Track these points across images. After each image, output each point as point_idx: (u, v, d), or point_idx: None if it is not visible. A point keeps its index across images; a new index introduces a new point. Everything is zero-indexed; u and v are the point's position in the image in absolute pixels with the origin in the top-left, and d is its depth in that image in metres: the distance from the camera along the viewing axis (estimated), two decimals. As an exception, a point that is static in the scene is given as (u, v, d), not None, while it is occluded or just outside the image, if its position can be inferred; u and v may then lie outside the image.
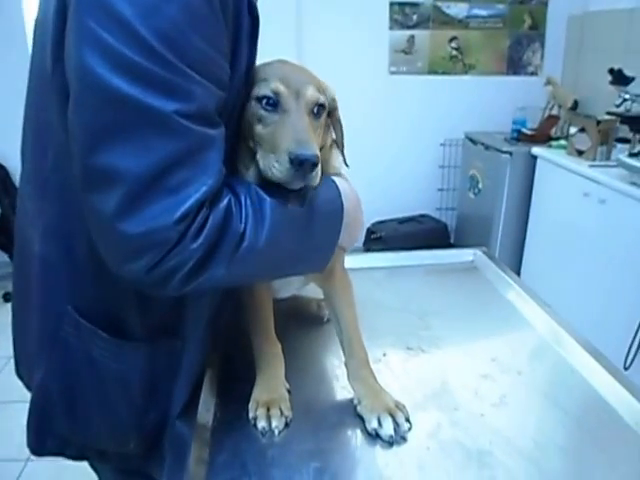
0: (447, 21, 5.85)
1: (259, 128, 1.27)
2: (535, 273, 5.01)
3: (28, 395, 1.43)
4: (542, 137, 5.21)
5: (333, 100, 1.42)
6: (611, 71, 4.64)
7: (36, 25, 1.24)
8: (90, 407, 1.39)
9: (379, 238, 5.79)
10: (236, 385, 1.57)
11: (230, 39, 1.15)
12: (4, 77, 4.43)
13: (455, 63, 5.98)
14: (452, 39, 5.90)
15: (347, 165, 1.51)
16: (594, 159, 4.46)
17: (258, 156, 1.26)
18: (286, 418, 1.43)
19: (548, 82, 5.48)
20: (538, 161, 4.99)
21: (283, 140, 1.20)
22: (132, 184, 1.00)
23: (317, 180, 1.24)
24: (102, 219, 1.04)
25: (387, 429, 1.40)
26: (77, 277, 1.30)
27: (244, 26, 1.19)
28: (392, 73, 5.98)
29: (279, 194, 1.21)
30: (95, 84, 0.99)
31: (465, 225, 6.08)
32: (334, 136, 1.51)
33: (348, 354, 1.56)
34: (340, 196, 1.34)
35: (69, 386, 1.36)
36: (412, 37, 5.86)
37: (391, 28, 5.85)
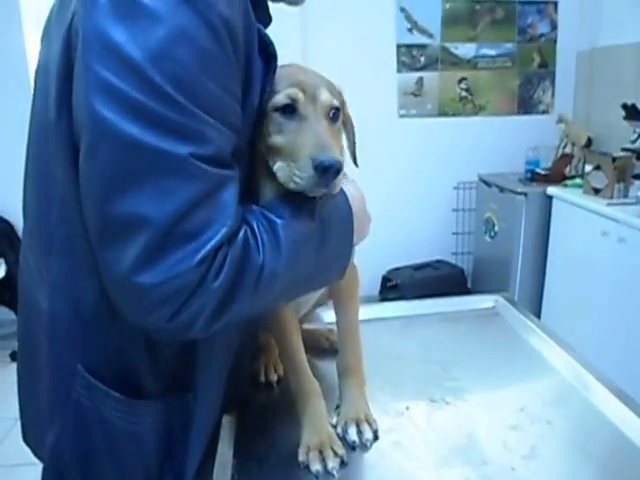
0: (455, 62, 5.80)
1: (277, 138, 1.25)
2: (556, 315, 4.89)
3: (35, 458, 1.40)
4: (557, 176, 5.11)
5: (340, 94, 1.38)
6: (624, 106, 4.57)
7: (37, 73, 1.24)
8: (105, 473, 1.33)
9: (395, 286, 5.70)
10: (253, 443, 1.52)
11: (241, 81, 1.13)
12: (7, 130, 4.36)
13: (465, 104, 5.92)
14: (461, 80, 5.84)
15: (356, 165, 1.50)
16: (611, 197, 4.35)
17: (276, 168, 1.25)
18: (341, 457, 1.41)
19: (560, 120, 5.39)
20: (554, 201, 4.90)
21: (304, 147, 1.19)
22: (154, 232, 0.98)
23: (339, 186, 1.23)
24: (119, 273, 1.01)
25: (351, 435, 1.49)
26: (87, 334, 1.26)
27: (255, 68, 1.18)
28: (401, 116, 5.92)
29: (288, 212, 1.20)
30: (107, 131, 0.98)
31: (482, 269, 5.97)
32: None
33: (340, 353, 1.63)
34: (347, 200, 1.33)
35: (83, 451, 1.30)
36: (421, 79, 5.80)
37: (399, 71, 5.79)
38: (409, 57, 5.78)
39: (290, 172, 1.20)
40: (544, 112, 5.99)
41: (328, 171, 1.15)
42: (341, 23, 5.61)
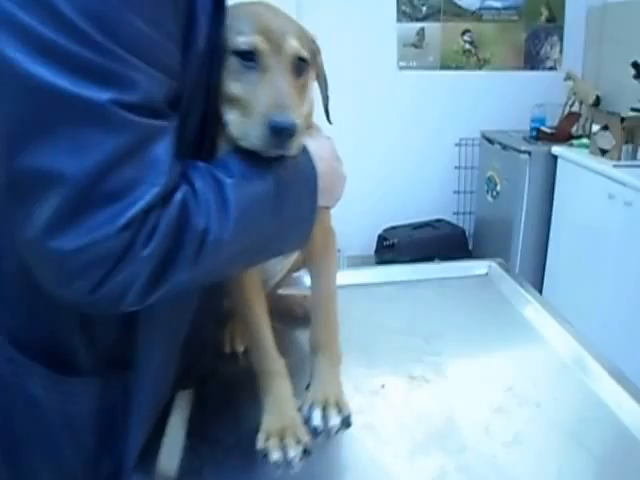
0: (459, 13, 5.63)
1: (233, 87, 1.14)
2: (558, 281, 4.79)
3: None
4: (563, 135, 4.98)
5: (312, 42, 1.29)
6: (635, 65, 4.43)
7: None
8: (35, 457, 1.23)
9: (392, 245, 5.59)
10: (209, 423, 1.43)
11: (182, 19, 1.00)
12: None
13: (469, 57, 5.77)
14: (465, 32, 5.68)
15: (330, 122, 1.43)
16: (619, 158, 4.23)
17: (227, 119, 1.15)
18: (304, 446, 1.32)
19: (568, 77, 5.23)
20: (559, 161, 4.77)
21: (261, 103, 1.10)
22: (69, 190, 0.86)
23: (298, 149, 1.14)
24: (30, 236, 0.90)
25: (315, 419, 1.39)
26: (9, 301, 1.17)
27: (200, 1, 1.04)
28: (401, 68, 5.78)
29: (239, 170, 1.09)
30: (13, 73, 0.85)
31: (484, 230, 5.86)
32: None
33: (312, 325, 1.53)
34: (311, 160, 1.21)
35: (8, 434, 1.21)
36: (422, 30, 5.64)
37: (399, 20, 5.63)
38: (410, 6, 5.60)
39: (245, 128, 1.11)
40: (551, 68, 5.84)
41: (282, 133, 1.07)
42: (339, -30, 5.51)
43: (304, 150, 1.21)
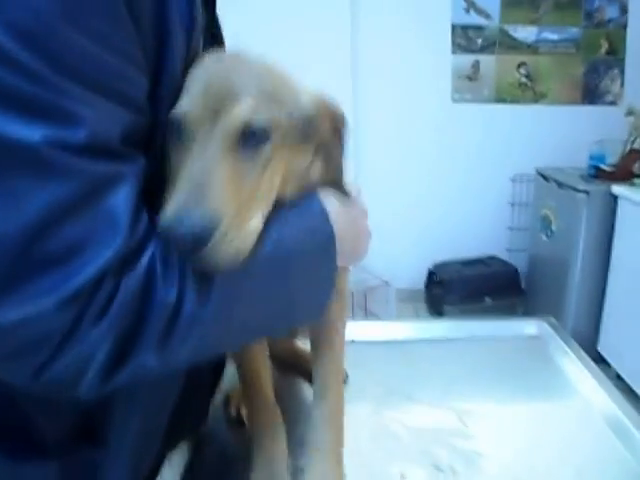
0: (514, 45, 5.56)
1: (170, 158, 0.92)
2: (616, 330, 4.56)
3: None
4: (623, 174, 4.76)
5: (315, 105, 1.03)
6: (701, 100, 4.22)
7: None
8: None
9: (440, 282, 5.49)
10: None
11: (149, 37, 0.84)
12: None
13: (524, 91, 5.67)
14: (520, 65, 5.60)
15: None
16: None
17: None
18: None
19: (629, 112, 5.04)
20: (619, 201, 4.54)
21: (170, 193, 0.84)
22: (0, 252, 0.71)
23: (228, 255, 0.85)
24: None
25: None
26: None
27: (174, 17, 0.87)
28: (455, 101, 5.73)
29: None
30: None
31: (537, 270, 5.66)
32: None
33: (312, 428, 1.20)
34: (328, 220, 1.02)
35: None
36: (477, 62, 5.59)
37: (454, 52, 5.59)
38: (465, 39, 5.54)
39: None
40: (611, 103, 5.69)
41: (178, 244, 0.81)
42: (394, 0, 5.45)
43: (321, 210, 1.02)
